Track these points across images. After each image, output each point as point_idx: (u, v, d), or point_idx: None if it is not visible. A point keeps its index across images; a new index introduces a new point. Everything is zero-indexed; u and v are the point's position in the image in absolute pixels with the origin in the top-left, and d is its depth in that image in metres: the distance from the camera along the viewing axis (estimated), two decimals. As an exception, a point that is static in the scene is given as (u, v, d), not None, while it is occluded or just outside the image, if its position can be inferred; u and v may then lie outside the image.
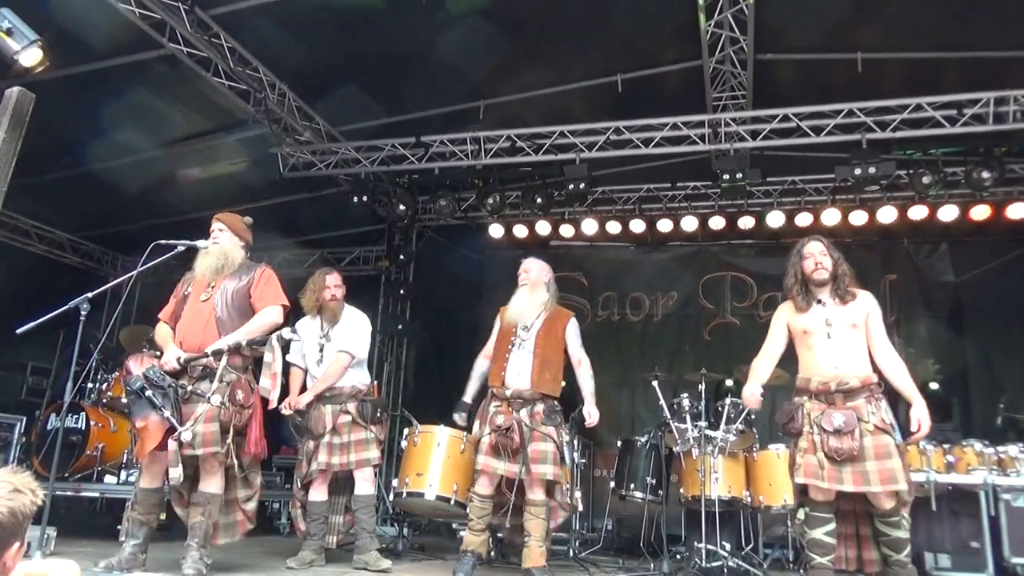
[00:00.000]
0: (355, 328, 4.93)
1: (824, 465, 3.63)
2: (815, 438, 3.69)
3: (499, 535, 5.72)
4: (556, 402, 4.51)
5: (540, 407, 4.41)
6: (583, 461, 6.38)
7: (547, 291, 4.72)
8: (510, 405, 4.41)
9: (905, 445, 3.67)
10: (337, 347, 4.83)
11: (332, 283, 4.93)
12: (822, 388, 3.78)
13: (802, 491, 3.80)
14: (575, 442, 5.61)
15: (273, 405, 4.09)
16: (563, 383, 4.62)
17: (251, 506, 4.08)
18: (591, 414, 4.46)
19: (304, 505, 4.83)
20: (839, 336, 3.82)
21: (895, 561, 3.70)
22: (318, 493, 4.77)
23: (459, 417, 4.75)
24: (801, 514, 3.86)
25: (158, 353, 4.06)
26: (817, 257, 3.94)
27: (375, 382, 4.98)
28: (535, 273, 4.75)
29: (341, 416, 4.73)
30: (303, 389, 4.90)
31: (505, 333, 4.65)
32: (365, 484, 4.76)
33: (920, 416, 3.69)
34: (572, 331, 4.64)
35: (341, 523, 4.97)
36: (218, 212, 4.28)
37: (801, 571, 5.19)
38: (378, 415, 4.86)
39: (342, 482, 4.90)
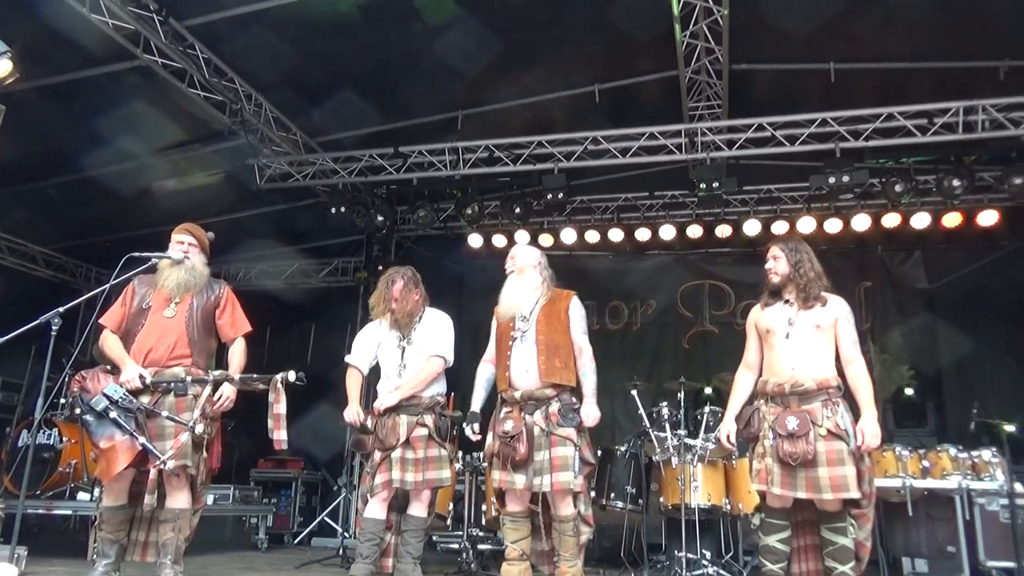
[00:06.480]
0: (442, 330, 4.45)
1: (777, 471, 3.54)
2: (768, 443, 3.59)
3: (479, 547, 5.71)
4: (574, 399, 4.06)
5: (555, 407, 3.99)
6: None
7: (540, 274, 4.31)
8: (522, 409, 4.03)
9: (858, 454, 3.51)
10: (427, 351, 4.35)
11: (396, 292, 4.43)
12: (777, 390, 3.67)
13: (763, 496, 3.73)
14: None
15: (282, 447, 3.80)
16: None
17: (194, 521, 3.91)
18: (589, 414, 3.98)
19: None
20: (799, 337, 3.69)
21: (839, 574, 3.53)
22: (376, 510, 4.22)
23: (470, 429, 4.27)
24: (756, 519, 3.77)
25: (109, 368, 3.85)
26: (768, 263, 3.92)
27: (451, 394, 4.49)
28: (521, 258, 4.37)
29: (417, 429, 4.21)
30: (363, 395, 4.42)
31: (503, 330, 4.23)
32: (420, 506, 4.28)
33: (864, 428, 3.50)
34: (575, 312, 4.18)
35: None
36: (190, 223, 4.19)
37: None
38: (453, 432, 4.35)
39: (404, 499, 4.39)
